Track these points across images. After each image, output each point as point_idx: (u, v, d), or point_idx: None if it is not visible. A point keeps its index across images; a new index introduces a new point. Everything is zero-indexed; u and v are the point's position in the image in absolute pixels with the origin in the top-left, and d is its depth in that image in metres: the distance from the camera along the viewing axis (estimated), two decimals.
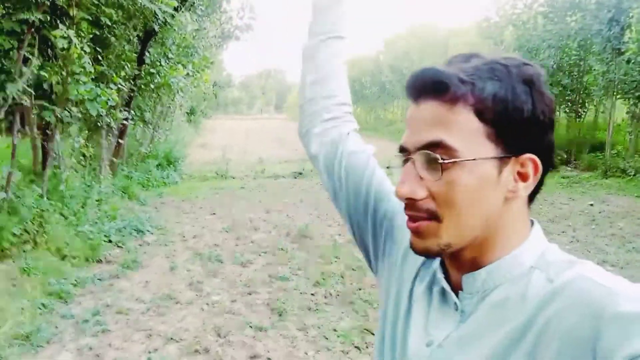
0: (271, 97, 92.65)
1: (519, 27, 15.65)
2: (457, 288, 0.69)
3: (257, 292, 4.50)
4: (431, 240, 0.65)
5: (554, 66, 13.48)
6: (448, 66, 0.65)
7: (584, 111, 14.33)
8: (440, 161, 0.62)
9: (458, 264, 0.68)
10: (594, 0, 12.90)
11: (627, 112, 12.46)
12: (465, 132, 0.62)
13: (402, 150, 0.67)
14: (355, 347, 3.52)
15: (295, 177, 11.65)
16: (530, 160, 0.64)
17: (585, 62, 12.88)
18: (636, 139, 12.08)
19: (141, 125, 10.80)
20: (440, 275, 0.72)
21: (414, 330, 0.73)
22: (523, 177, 0.64)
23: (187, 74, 10.87)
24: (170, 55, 9.69)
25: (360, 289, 4.55)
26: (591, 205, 8.30)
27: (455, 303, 0.68)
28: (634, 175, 10.77)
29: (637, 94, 11.54)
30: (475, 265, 0.66)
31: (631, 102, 12.08)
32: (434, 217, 0.64)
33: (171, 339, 3.53)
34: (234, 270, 5.05)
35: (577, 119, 14.17)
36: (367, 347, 3.50)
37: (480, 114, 0.62)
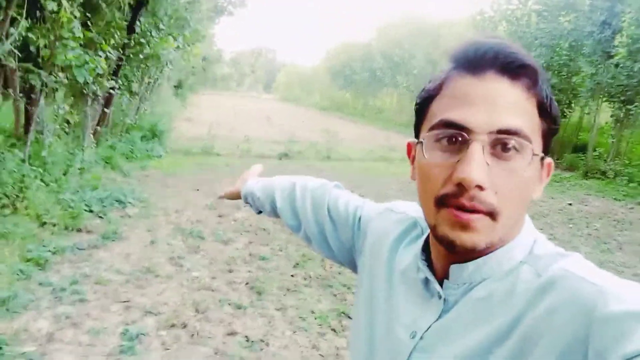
0: (260, 76, 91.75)
1: (512, 23, 15.73)
2: (440, 276, 0.68)
3: (238, 270, 4.51)
4: (481, 236, 0.59)
5: (544, 65, 13.58)
6: (519, 47, 0.61)
7: (569, 111, 14.51)
8: (522, 151, 0.58)
9: (454, 254, 0.64)
10: (588, 2, 13.01)
11: (612, 116, 12.67)
12: (532, 124, 0.60)
13: (455, 127, 0.59)
14: (332, 329, 3.57)
15: (281, 159, 11.64)
16: (547, 164, 0.65)
17: (575, 63, 13.01)
18: (618, 142, 12.28)
19: (127, 96, 10.61)
20: (422, 264, 0.70)
21: (396, 319, 0.72)
22: (541, 179, 0.65)
23: (178, 46, 10.71)
24: (161, 26, 9.51)
25: (339, 273, 4.59)
26: (570, 204, 8.46)
27: (438, 293, 0.66)
28: (614, 177, 11.00)
29: (622, 98, 11.74)
30: (470, 256, 0.63)
31: (616, 106, 12.27)
32: (491, 212, 0.58)
33: (149, 312, 3.53)
34: (215, 247, 5.06)
35: (563, 119, 14.34)
36: (343, 330, 3.55)
37: (541, 109, 0.61)
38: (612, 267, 5.22)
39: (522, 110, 0.58)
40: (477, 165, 0.56)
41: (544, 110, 0.61)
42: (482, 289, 0.62)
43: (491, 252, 0.62)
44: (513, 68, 0.59)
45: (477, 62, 0.60)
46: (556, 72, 13.66)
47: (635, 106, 11.54)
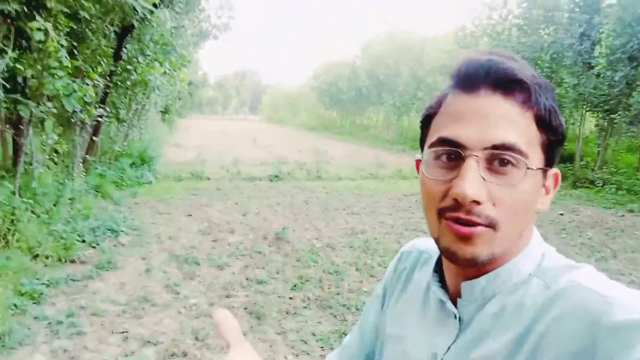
0: (246, 98, 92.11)
1: (493, 38, 15.98)
2: (453, 295, 0.69)
3: (235, 295, 4.46)
4: (482, 248, 0.59)
5: None
6: (511, 62, 0.61)
7: None
8: (518, 166, 0.59)
9: (467, 271, 0.65)
10: (566, 15, 13.29)
11: (596, 125, 12.86)
12: (529, 138, 0.60)
13: (451, 144, 0.61)
14: None
15: (272, 180, 11.61)
16: (553, 175, 0.66)
17: (557, 74, 13.23)
18: (604, 151, 12.46)
19: (115, 123, 10.60)
20: (435, 286, 0.71)
21: (414, 344, 0.72)
22: (547, 190, 0.65)
23: (164, 71, 10.73)
24: (147, 52, 9.55)
25: (338, 294, 4.56)
26: (561, 214, 8.52)
27: (453, 313, 0.67)
28: (602, 186, 11.11)
29: (605, 107, 11.94)
30: (479, 271, 0.64)
31: (599, 115, 12.47)
32: (490, 224, 0.59)
33: (148, 341, 3.47)
34: (211, 272, 5.00)
35: None
36: None
37: (540, 122, 0.61)
38: (608, 276, 5.17)
39: (516, 124, 0.59)
40: (471, 181, 0.57)
41: (542, 123, 0.61)
42: (495, 304, 0.63)
43: (499, 266, 0.63)
44: (505, 83, 0.59)
45: (470, 79, 0.61)
46: None
47: (619, 115, 11.74)
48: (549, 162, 0.63)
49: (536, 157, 0.61)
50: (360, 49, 35.76)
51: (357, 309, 4.24)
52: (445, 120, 0.62)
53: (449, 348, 0.66)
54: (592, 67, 12.09)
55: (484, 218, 0.58)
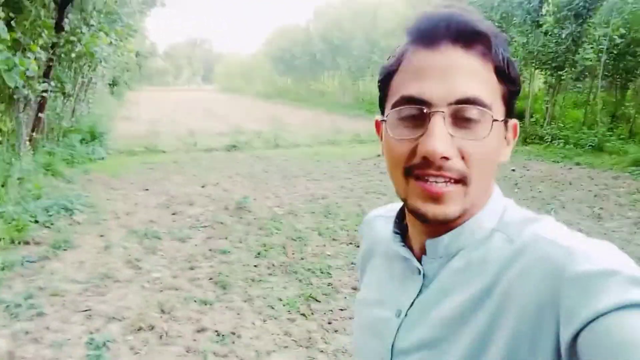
0: (198, 68, 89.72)
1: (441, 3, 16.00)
2: (418, 253, 0.69)
3: (199, 266, 4.45)
4: (454, 206, 0.60)
5: None
6: (470, 14, 0.60)
7: None
8: (481, 119, 0.58)
9: (429, 228, 0.65)
10: None
11: (544, 82, 13.21)
12: (492, 90, 0.60)
13: (415, 102, 0.59)
14: (302, 314, 3.59)
15: (229, 150, 11.47)
16: (512, 126, 0.66)
17: (507, 33, 13.43)
18: (552, 107, 12.86)
19: (62, 98, 10.15)
20: (398, 245, 0.72)
21: (381, 300, 0.74)
22: (507, 141, 0.66)
23: (110, 42, 10.29)
24: (91, 22, 9.10)
25: (302, 259, 4.61)
26: (513, 170, 8.81)
27: (417, 269, 0.68)
28: (551, 141, 11.53)
29: (553, 64, 12.26)
30: (444, 228, 0.64)
31: (548, 73, 12.81)
32: (461, 179, 0.59)
33: (113, 318, 3.43)
34: (173, 245, 4.95)
35: None
36: (312, 314, 3.58)
37: (500, 73, 0.61)
38: None
39: (479, 77, 0.59)
40: (439, 137, 0.57)
41: (502, 74, 0.61)
42: (459, 259, 0.64)
43: (463, 221, 0.64)
44: (466, 36, 0.59)
45: (430, 34, 0.60)
46: None
47: (566, 71, 12.10)
48: (508, 113, 0.64)
49: (499, 109, 0.61)
50: (314, 13, 35.25)
51: (321, 273, 4.30)
52: (406, 77, 0.61)
53: (412, 303, 0.67)
54: (540, 25, 12.34)
55: (454, 173, 0.58)
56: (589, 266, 0.51)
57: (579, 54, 11.39)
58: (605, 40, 10.67)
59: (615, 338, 0.45)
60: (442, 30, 0.59)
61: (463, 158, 0.58)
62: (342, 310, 3.66)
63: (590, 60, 11.14)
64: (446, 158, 0.57)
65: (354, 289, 4.00)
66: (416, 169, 0.59)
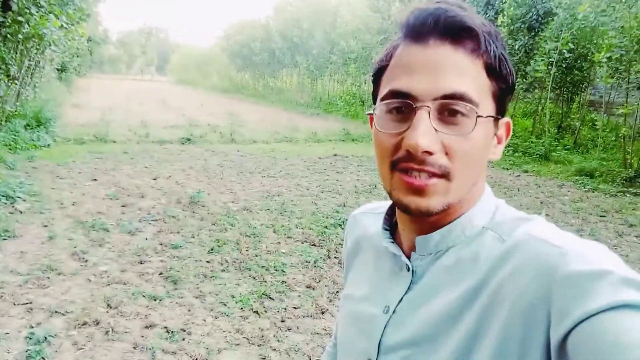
0: (152, 58, 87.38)
1: (405, 3, 16.27)
2: (407, 250, 0.69)
3: (149, 260, 4.31)
4: (437, 199, 0.60)
5: None
6: (460, 10, 0.60)
7: None
8: (466, 115, 0.58)
9: (418, 224, 0.66)
10: None
11: None
12: (480, 87, 0.60)
13: (403, 96, 0.60)
14: (254, 311, 3.53)
15: (183, 143, 11.21)
16: (505, 124, 0.66)
17: None
18: None
19: (5, 81, 9.63)
20: (387, 241, 0.72)
21: (368, 296, 0.73)
22: (499, 139, 0.66)
23: (61, 25, 9.87)
24: (41, 3, 8.69)
25: (256, 256, 4.55)
26: None
27: (406, 265, 0.67)
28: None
29: None
30: (434, 226, 0.65)
31: None
32: (444, 174, 0.59)
33: (56, 311, 3.27)
34: (121, 238, 4.78)
35: None
36: (266, 312, 3.53)
37: (490, 70, 0.60)
38: None
39: (466, 73, 0.59)
40: (423, 131, 0.57)
41: (492, 71, 0.61)
42: (449, 257, 0.64)
43: (454, 219, 0.64)
44: (454, 32, 0.59)
45: (419, 29, 0.60)
46: None
47: (517, 82, 12.51)
48: (500, 111, 0.63)
49: (487, 106, 0.61)
50: (273, 9, 34.99)
51: (275, 270, 4.26)
52: (395, 72, 0.62)
53: (401, 299, 0.66)
54: None
55: (437, 167, 0.58)
56: (580, 266, 0.51)
57: (530, 65, 11.81)
58: (555, 53, 11.11)
59: (605, 338, 0.45)
60: (430, 26, 0.59)
61: (447, 153, 0.58)
62: (295, 308, 3.63)
63: (541, 72, 11.56)
64: (429, 152, 0.57)
65: (308, 287, 3.98)
66: (401, 162, 0.60)
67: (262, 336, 3.21)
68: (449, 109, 0.58)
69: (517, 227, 0.60)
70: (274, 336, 3.23)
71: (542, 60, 11.42)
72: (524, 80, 12.42)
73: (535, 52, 12.01)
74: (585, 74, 12.45)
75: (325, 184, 7.73)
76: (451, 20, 0.58)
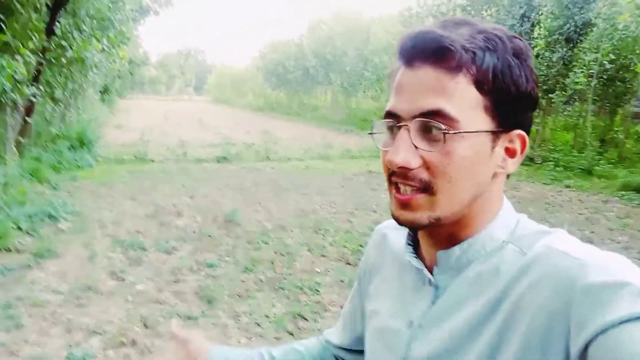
0: (190, 78, 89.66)
1: (438, 19, 16.23)
2: (429, 265, 0.70)
3: (185, 280, 4.34)
4: (421, 213, 0.62)
5: None
6: (443, 31, 0.61)
7: None
8: (442, 131, 0.59)
9: (436, 239, 0.67)
10: None
11: None
12: (465, 103, 0.60)
13: (391, 116, 0.64)
14: (289, 332, 3.50)
15: (219, 162, 11.38)
16: (518, 137, 0.64)
17: None
18: (543, 129, 12.97)
19: (51, 103, 10.03)
20: (410, 256, 0.72)
21: (392, 311, 0.74)
22: (511, 153, 0.65)
23: (102, 49, 10.23)
24: (83, 28, 9.04)
25: (291, 274, 4.53)
26: (503, 191, 8.80)
27: (429, 280, 0.68)
28: (541, 163, 11.59)
29: (544, 87, 12.37)
30: (452, 240, 0.66)
31: (539, 95, 12.94)
32: (426, 188, 0.61)
33: (94, 331, 3.32)
34: (158, 257, 4.84)
35: None
36: (300, 333, 3.49)
37: (479, 85, 0.60)
38: None
39: (446, 90, 0.60)
40: (398, 148, 0.61)
41: (482, 85, 0.60)
42: (470, 270, 0.65)
43: (473, 234, 0.65)
44: (432, 52, 0.60)
45: (407, 53, 0.63)
46: None
47: (556, 94, 12.22)
48: (504, 124, 0.63)
49: (476, 121, 0.61)
50: (307, 28, 35.44)
51: (310, 290, 4.22)
52: (391, 94, 0.66)
53: (424, 314, 0.68)
54: (532, 48, 12.48)
55: (417, 181, 0.61)
56: (600, 278, 0.51)
57: (569, 77, 11.52)
58: (595, 65, 10.80)
59: (625, 350, 0.46)
60: (411, 49, 0.62)
61: (428, 168, 0.61)
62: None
63: (581, 85, 11.26)
64: (406, 168, 0.61)
65: (343, 307, 3.92)
66: (392, 177, 0.64)
67: None
68: (426, 126, 0.60)
69: (538, 240, 0.61)
70: None
71: (581, 72, 11.12)
72: (563, 92, 12.12)
73: (574, 64, 11.71)
74: (628, 85, 12.06)
75: (359, 202, 7.68)
76: (429, 42, 0.61)
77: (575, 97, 12.79)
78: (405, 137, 0.61)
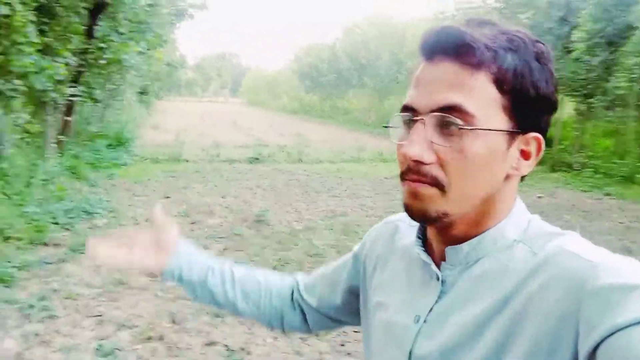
0: (226, 81, 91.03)
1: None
2: (438, 260, 0.69)
3: None
4: (429, 206, 0.62)
5: None
6: (466, 28, 0.61)
7: None
8: (458, 126, 0.59)
9: (445, 235, 0.67)
10: None
11: (575, 109, 12.97)
12: (483, 100, 0.60)
13: (408, 109, 0.63)
14: (314, 334, 3.49)
15: (252, 162, 11.49)
16: (534, 139, 0.64)
17: None
18: (582, 135, 12.60)
19: (90, 103, 10.34)
20: (418, 249, 0.72)
21: (398, 306, 0.73)
22: (526, 155, 0.64)
23: (140, 51, 10.48)
24: (121, 31, 9.29)
25: None
26: (539, 197, 8.61)
27: (437, 275, 0.68)
28: (580, 170, 11.25)
29: (583, 92, 12.02)
30: (462, 237, 0.66)
31: (578, 100, 12.57)
32: (437, 184, 0.61)
33: (123, 325, 3.39)
34: None
35: None
36: (325, 335, 3.48)
37: (499, 84, 0.60)
38: None
39: (465, 86, 0.60)
40: (415, 142, 0.60)
41: (502, 84, 0.60)
42: (478, 267, 0.65)
43: (483, 231, 0.65)
44: (454, 48, 0.60)
45: (427, 48, 0.63)
46: None
47: (597, 99, 11.84)
48: (521, 126, 0.62)
49: (493, 119, 0.60)
50: (341, 31, 35.49)
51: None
52: (409, 89, 0.65)
53: (431, 309, 0.67)
54: (571, 52, 12.14)
55: (429, 177, 0.61)
56: (610, 280, 0.51)
57: (610, 82, 11.15)
58: (637, 69, 10.42)
59: (634, 352, 0.45)
60: (434, 44, 0.62)
61: (442, 165, 0.61)
62: (355, 332, 3.55)
63: (622, 89, 10.88)
64: (420, 162, 0.61)
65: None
66: (405, 175, 0.64)
67: (321, 359, 3.16)
68: (443, 121, 0.60)
69: (550, 241, 0.61)
70: None
71: (623, 76, 10.75)
72: (603, 97, 11.73)
73: (615, 67, 11.33)
74: None
75: (390, 205, 7.61)
76: (451, 37, 0.61)
77: (617, 102, 12.36)
78: (421, 130, 0.61)
